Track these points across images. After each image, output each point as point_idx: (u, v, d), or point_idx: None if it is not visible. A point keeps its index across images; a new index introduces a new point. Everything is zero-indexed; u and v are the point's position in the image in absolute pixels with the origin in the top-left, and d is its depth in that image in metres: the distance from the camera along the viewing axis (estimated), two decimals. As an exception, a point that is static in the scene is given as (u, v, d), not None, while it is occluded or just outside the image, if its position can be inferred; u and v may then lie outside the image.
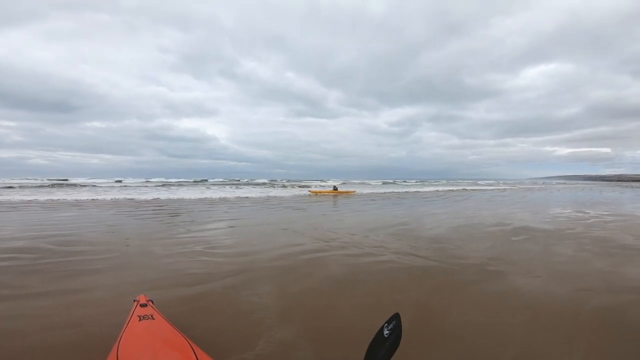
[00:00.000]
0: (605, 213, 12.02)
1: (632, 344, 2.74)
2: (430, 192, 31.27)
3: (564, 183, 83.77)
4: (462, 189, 37.32)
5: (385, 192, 29.41)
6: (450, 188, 40.77)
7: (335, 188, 28.12)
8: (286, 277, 4.47)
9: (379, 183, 57.73)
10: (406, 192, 30.99)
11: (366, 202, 18.31)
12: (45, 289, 4.01)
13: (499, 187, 44.88)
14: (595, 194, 27.12)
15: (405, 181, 71.66)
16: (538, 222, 9.54)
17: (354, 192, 28.81)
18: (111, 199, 18.08)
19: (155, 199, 19.01)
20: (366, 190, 32.09)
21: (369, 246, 6.31)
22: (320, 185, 40.10)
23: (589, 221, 9.81)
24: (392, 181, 67.08)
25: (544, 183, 79.59)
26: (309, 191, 27.53)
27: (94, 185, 33.97)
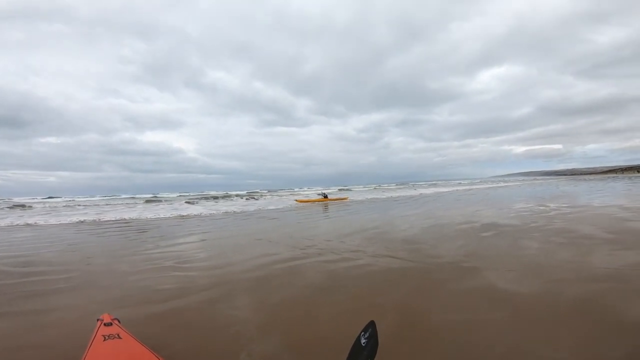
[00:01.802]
0: (565, 205, 12.68)
1: (609, 329, 2.80)
2: (429, 193, 31.68)
3: (524, 179, 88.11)
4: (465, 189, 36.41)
5: (380, 197, 27.74)
6: (457, 189, 40.97)
7: (325, 195, 26.30)
8: (263, 288, 4.32)
9: (366, 189, 57.57)
10: (405, 196, 31.09)
11: (340, 207, 18.35)
12: (1, 311, 3.70)
13: (487, 186, 46.29)
14: (553, 188, 28.69)
15: (380, 185, 72.43)
16: (504, 218, 9.89)
17: (347, 198, 26.75)
18: (68, 221, 17.00)
19: (119, 219, 18.06)
20: (358, 197, 29.53)
21: (345, 251, 6.27)
22: (318, 193, 35.28)
23: (550, 214, 10.28)
24: (373, 187, 67.63)
25: (518, 180, 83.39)
26: (295, 200, 25.28)
27: (51, 206, 31.81)
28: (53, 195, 54.42)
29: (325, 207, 19.73)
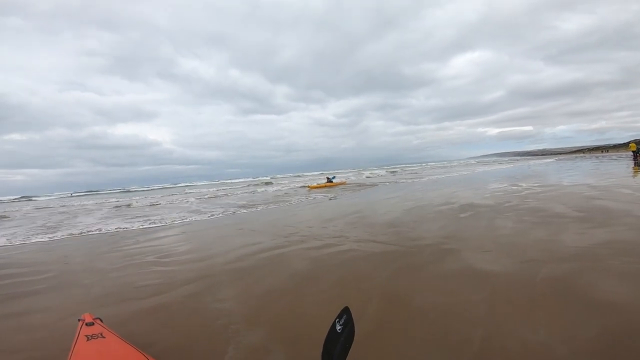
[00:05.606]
0: (536, 185, 13.11)
1: (582, 309, 2.89)
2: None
3: (497, 160, 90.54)
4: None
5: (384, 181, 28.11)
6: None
7: (329, 180, 27.01)
8: (248, 279, 4.33)
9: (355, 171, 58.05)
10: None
11: (323, 192, 18.38)
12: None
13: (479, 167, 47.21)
14: (525, 168, 29.65)
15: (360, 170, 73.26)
16: (480, 198, 10.17)
17: (345, 182, 28.36)
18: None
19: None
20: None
21: (328, 237, 6.33)
22: (330, 179, 36.07)
23: (522, 193, 10.62)
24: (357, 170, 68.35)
25: (494, 161, 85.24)
26: (308, 187, 26.20)
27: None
28: (28, 195, 51.37)
29: (327, 191, 19.81)
